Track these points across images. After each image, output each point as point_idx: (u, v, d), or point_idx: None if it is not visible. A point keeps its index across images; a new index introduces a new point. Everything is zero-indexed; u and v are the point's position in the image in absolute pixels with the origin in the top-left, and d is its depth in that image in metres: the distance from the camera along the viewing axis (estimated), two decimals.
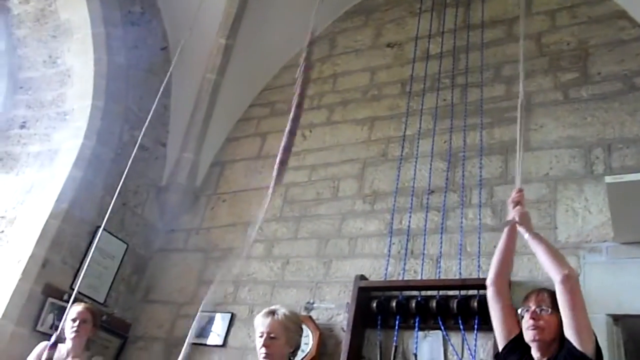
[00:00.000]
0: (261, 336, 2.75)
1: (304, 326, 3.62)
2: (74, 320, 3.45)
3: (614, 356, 2.98)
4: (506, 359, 2.43)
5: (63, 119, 4.80)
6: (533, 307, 2.35)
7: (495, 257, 2.61)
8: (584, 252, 3.36)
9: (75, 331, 3.43)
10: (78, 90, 4.80)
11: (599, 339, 2.81)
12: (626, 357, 3.07)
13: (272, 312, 2.82)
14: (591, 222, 3.45)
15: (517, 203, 2.58)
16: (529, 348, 2.37)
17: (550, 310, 2.32)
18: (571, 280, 2.21)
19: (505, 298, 2.54)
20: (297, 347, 2.92)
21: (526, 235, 2.47)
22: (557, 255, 2.33)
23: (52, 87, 4.93)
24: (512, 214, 2.55)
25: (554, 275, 2.25)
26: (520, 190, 2.63)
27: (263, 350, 2.73)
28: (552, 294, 2.41)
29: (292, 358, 2.88)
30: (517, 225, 2.52)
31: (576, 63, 4.08)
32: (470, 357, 3.32)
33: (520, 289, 3.37)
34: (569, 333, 2.19)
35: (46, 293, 4.14)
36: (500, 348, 2.48)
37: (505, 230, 2.60)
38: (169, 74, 4.71)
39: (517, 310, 2.44)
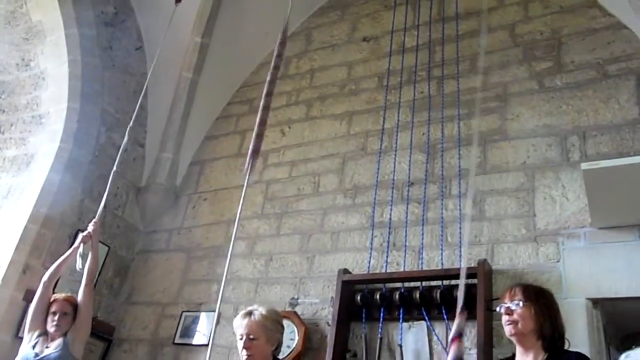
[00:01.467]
0: (241, 338, 2.79)
1: (289, 322, 3.67)
2: (54, 313, 3.43)
3: (594, 339, 3.04)
4: None
5: (39, 122, 4.75)
6: (507, 304, 2.38)
7: None
8: (562, 239, 3.41)
9: (56, 325, 3.42)
10: (53, 93, 4.75)
11: (579, 323, 2.88)
12: (606, 339, 3.14)
13: (250, 313, 2.84)
14: (569, 208, 3.50)
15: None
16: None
17: (522, 303, 2.34)
18: None
19: None
20: (279, 345, 2.94)
21: None
22: None
23: (26, 90, 4.87)
24: None
25: None
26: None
27: (244, 352, 2.76)
28: (524, 287, 2.45)
29: (276, 355, 2.90)
30: None
31: (550, 52, 4.13)
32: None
33: (501, 277, 3.43)
34: None
35: (28, 299, 4.07)
36: None
37: None
38: (149, 75, 4.68)
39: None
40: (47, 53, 4.80)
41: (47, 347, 3.40)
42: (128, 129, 3.91)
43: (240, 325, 2.81)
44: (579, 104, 3.84)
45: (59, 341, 3.40)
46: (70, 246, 4.34)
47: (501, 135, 3.98)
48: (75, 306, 3.56)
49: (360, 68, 5.01)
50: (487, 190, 3.81)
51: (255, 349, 2.75)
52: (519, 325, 2.31)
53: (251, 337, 2.76)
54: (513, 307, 2.34)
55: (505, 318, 2.35)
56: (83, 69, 4.75)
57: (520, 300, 2.35)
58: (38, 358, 3.26)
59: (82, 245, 3.63)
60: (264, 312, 2.87)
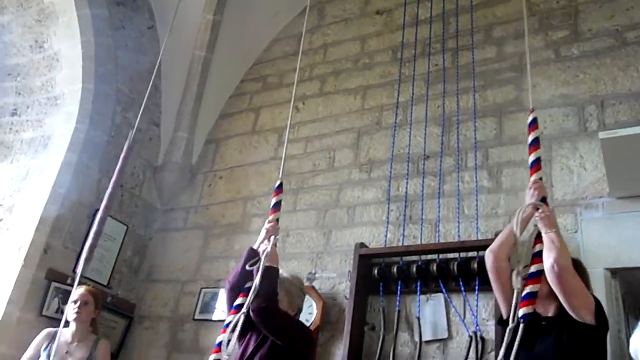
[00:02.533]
0: None
1: (307, 296, 3.68)
2: (75, 302, 3.46)
3: (613, 309, 3.03)
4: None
5: (54, 104, 4.77)
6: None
7: (503, 235, 2.58)
8: (580, 209, 3.39)
9: (77, 312, 3.44)
10: (67, 74, 4.77)
11: (598, 293, 2.87)
12: (625, 309, 3.13)
13: None
14: (586, 178, 3.47)
15: (536, 193, 2.48)
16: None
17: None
18: (555, 269, 2.21)
19: (505, 265, 2.53)
20: (299, 311, 2.97)
21: (544, 234, 2.36)
22: (558, 247, 2.27)
23: (41, 72, 4.89)
24: (534, 212, 2.46)
25: (545, 260, 2.28)
26: (537, 181, 2.54)
27: None
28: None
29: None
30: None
31: (566, 21, 4.06)
32: (473, 317, 3.36)
33: (519, 248, 3.41)
34: (567, 308, 2.26)
35: (49, 278, 4.17)
36: (503, 314, 2.52)
37: (519, 219, 2.48)
38: (160, 55, 4.67)
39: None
40: (60, 34, 4.81)
41: (67, 353, 3.37)
42: (141, 109, 3.91)
43: None
44: (596, 72, 3.78)
45: (83, 352, 3.40)
46: (89, 227, 4.41)
47: (517, 106, 3.94)
48: (96, 297, 3.60)
49: (373, 42, 4.97)
50: (503, 161, 3.79)
51: None
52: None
53: None
54: None
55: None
56: (96, 49, 4.75)
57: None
58: None
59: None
60: (289, 277, 2.93)
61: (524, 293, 2.27)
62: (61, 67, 4.81)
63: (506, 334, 2.27)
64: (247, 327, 2.73)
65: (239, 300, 2.64)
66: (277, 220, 2.86)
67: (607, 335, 2.31)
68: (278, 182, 2.94)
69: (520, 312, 2.26)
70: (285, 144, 3.17)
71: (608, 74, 3.72)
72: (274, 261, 2.74)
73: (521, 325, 2.24)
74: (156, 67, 4.51)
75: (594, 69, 3.79)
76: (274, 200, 2.88)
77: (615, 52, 3.76)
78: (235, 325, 2.53)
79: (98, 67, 4.74)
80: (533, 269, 2.31)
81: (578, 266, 2.47)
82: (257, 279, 2.60)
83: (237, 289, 2.73)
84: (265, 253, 2.69)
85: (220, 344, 2.53)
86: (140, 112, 3.89)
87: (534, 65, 3.99)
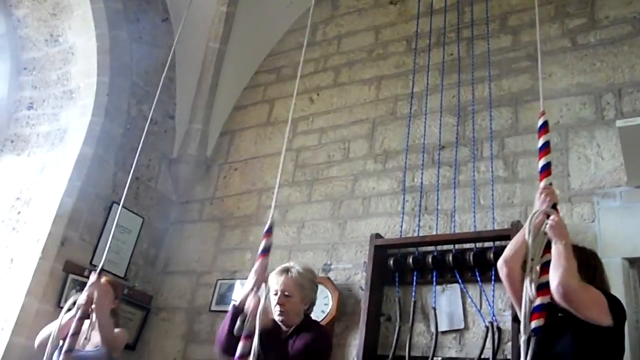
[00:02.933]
0: (276, 294, 2.79)
1: (322, 287, 3.70)
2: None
3: (631, 298, 3.00)
4: None
5: (70, 97, 4.80)
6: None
7: (515, 243, 2.44)
8: (597, 198, 3.36)
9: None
10: (82, 67, 4.79)
11: (615, 283, 2.85)
12: None
13: (286, 270, 2.84)
14: (604, 167, 3.44)
15: (547, 199, 2.32)
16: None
17: None
18: (560, 290, 2.11)
19: (518, 274, 2.43)
20: (312, 304, 2.95)
21: (554, 245, 2.22)
22: (558, 264, 2.14)
23: (56, 65, 4.91)
24: (546, 220, 2.27)
25: (551, 279, 2.14)
26: (548, 187, 2.36)
27: (278, 308, 2.77)
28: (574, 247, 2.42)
29: (308, 314, 2.92)
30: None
31: (583, 8, 4.01)
32: (489, 307, 3.35)
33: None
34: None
35: (67, 270, 4.21)
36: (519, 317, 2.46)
37: (530, 225, 2.32)
38: (173, 47, 4.68)
39: None
40: (75, 28, 4.83)
41: (86, 339, 3.38)
42: (155, 101, 3.93)
43: (276, 281, 2.80)
44: (613, 60, 3.73)
45: (99, 337, 3.38)
46: (105, 220, 4.45)
47: (533, 95, 3.90)
48: (114, 287, 3.62)
49: (387, 32, 4.94)
50: (519, 151, 3.76)
51: (289, 306, 2.77)
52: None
53: (286, 293, 2.77)
54: None
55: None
56: (111, 42, 4.77)
57: None
58: (76, 355, 3.20)
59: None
60: (301, 270, 2.88)
61: (534, 304, 2.20)
62: (76, 60, 4.84)
63: (521, 345, 2.23)
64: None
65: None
66: (266, 267, 2.43)
67: (624, 329, 2.27)
68: (268, 225, 2.45)
69: (533, 325, 2.20)
70: (279, 172, 2.81)
71: (625, 62, 3.68)
72: (267, 321, 2.52)
73: (532, 339, 2.18)
74: (169, 58, 4.51)
75: (611, 57, 3.74)
76: (263, 244, 2.40)
77: (632, 40, 3.71)
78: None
79: (113, 60, 4.76)
80: (542, 279, 2.24)
81: (593, 258, 2.45)
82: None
83: (230, 351, 2.31)
84: (257, 314, 2.22)
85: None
86: (154, 103, 3.90)
87: (550, 54, 3.95)
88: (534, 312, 2.16)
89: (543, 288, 2.17)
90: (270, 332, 2.67)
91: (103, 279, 3.58)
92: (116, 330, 3.54)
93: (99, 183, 4.54)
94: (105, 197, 4.56)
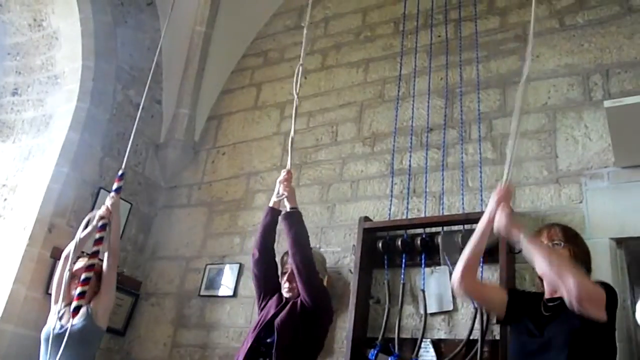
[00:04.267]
0: (285, 272, 2.90)
1: None
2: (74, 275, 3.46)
3: (618, 279, 3.02)
4: (514, 319, 2.41)
5: (55, 82, 4.75)
6: (545, 242, 2.34)
7: (465, 255, 2.37)
8: (585, 179, 3.37)
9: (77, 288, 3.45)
10: (67, 52, 4.73)
11: (603, 263, 2.87)
12: (630, 278, 3.12)
13: None
14: (592, 148, 3.44)
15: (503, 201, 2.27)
16: (531, 297, 2.40)
17: (562, 243, 2.33)
18: (581, 296, 2.04)
19: (479, 287, 2.49)
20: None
21: (520, 241, 2.19)
22: (559, 270, 2.09)
23: (40, 50, 4.85)
24: (495, 213, 2.26)
25: (563, 293, 2.09)
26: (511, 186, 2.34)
27: (287, 285, 2.86)
28: (564, 229, 2.42)
29: None
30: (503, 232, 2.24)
31: None
32: None
33: (524, 219, 3.40)
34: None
35: (55, 256, 4.16)
36: (501, 317, 2.45)
37: (481, 228, 2.34)
38: (164, 30, 4.62)
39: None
40: (58, 12, 4.76)
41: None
42: (146, 88, 3.89)
43: (286, 261, 2.93)
44: (601, 41, 3.73)
45: (82, 311, 3.36)
46: (93, 206, 4.42)
47: (521, 76, 3.88)
48: (98, 274, 3.54)
49: (375, 14, 4.90)
50: (507, 133, 3.73)
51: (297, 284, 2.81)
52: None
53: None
54: (554, 247, 2.31)
55: None
56: (95, 26, 4.70)
57: (561, 240, 2.33)
58: (62, 330, 3.21)
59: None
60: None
61: None
62: (60, 45, 4.77)
63: None
64: (269, 293, 2.88)
65: None
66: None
67: (615, 322, 2.20)
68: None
69: None
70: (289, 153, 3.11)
71: (613, 43, 3.67)
72: (292, 197, 2.92)
73: None
74: (159, 45, 4.47)
75: (599, 38, 3.74)
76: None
77: (620, 20, 3.71)
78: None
79: (98, 45, 4.70)
80: None
81: (582, 240, 2.43)
82: (286, 225, 2.80)
83: (264, 244, 2.93)
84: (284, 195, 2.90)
85: None
86: (145, 91, 3.87)
87: (538, 35, 3.93)
88: None
89: None
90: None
91: (84, 262, 3.55)
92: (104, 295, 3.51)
93: (86, 169, 4.50)
94: (92, 182, 4.53)
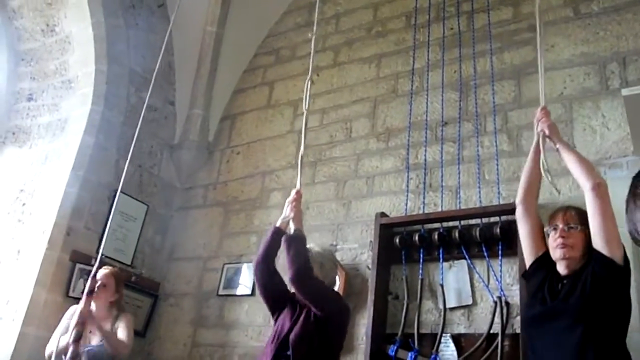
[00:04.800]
0: None
1: None
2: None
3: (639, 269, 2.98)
4: (533, 276, 2.45)
5: (69, 87, 4.78)
6: (561, 225, 2.35)
7: (523, 175, 2.60)
8: (604, 169, 3.31)
9: (96, 295, 3.48)
10: (80, 56, 4.76)
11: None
12: None
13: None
14: (610, 138, 3.40)
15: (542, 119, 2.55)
16: (554, 265, 2.38)
17: (578, 227, 2.32)
18: (602, 188, 2.23)
19: (534, 216, 2.54)
20: (333, 283, 2.98)
21: (557, 146, 2.46)
22: (587, 164, 2.35)
23: (54, 55, 4.88)
24: (539, 128, 2.53)
25: (584, 182, 2.27)
26: (544, 108, 2.58)
27: None
28: (580, 212, 2.40)
29: None
30: (546, 138, 2.49)
31: None
32: (497, 282, 3.34)
33: (542, 211, 3.34)
34: (597, 241, 2.20)
35: (74, 260, 4.22)
36: (527, 266, 2.51)
37: (532, 147, 2.58)
38: (169, 31, 4.63)
39: (543, 229, 2.44)
40: (71, 17, 4.79)
41: (90, 333, 3.42)
42: (151, 85, 3.90)
43: None
44: (617, 28, 3.67)
45: (107, 325, 3.46)
46: (110, 208, 4.42)
47: (536, 67, 3.78)
48: (116, 279, 3.64)
49: (386, 9, 4.87)
50: (523, 124, 3.72)
51: None
52: (574, 249, 2.29)
53: None
54: (569, 230, 2.33)
55: (558, 241, 2.33)
56: (107, 30, 4.73)
57: (577, 224, 2.33)
58: (81, 349, 3.22)
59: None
60: (320, 250, 2.96)
61: None
62: (73, 49, 4.80)
63: None
64: (282, 307, 2.83)
65: None
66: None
67: (630, 279, 2.24)
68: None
69: None
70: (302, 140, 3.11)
71: (629, 30, 3.62)
72: (298, 218, 2.89)
73: None
74: (164, 43, 4.46)
75: (615, 25, 3.68)
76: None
77: (637, 7, 3.64)
78: None
79: (110, 48, 4.73)
80: None
81: None
82: (286, 247, 2.73)
83: (265, 263, 2.86)
84: (290, 216, 2.88)
85: None
86: (150, 88, 3.88)
87: (552, 24, 3.89)
88: None
89: None
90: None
91: (105, 270, 3.60)
92: (122, 316, 3.55)
93: (102, 172, 4.53)
94: (108, 185, 4.55)
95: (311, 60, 3.35)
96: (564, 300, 2.24)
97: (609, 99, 3.48)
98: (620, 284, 2.19)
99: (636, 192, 1.47)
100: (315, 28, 3.56)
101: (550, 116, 2.56)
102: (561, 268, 2.35)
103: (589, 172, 2.28)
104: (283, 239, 2.81)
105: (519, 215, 2.55)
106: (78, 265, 4.22)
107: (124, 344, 3.48)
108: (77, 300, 3.98)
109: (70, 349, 3.10)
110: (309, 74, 3.28)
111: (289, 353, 2.61)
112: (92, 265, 4.02)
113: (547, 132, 2.48)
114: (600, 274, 2.17)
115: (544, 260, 2.42)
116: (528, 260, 2.50)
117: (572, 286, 2.26)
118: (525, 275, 2.55)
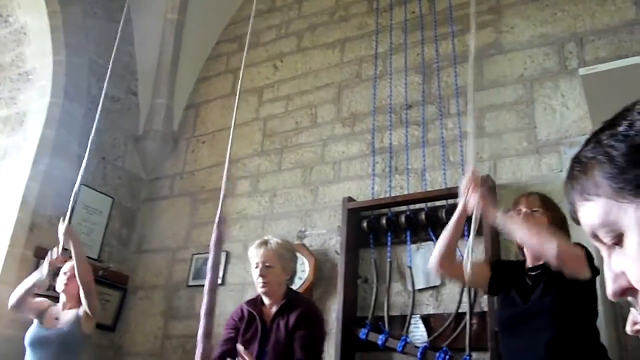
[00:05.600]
0: (257, 267, 2.81)
1: (299, 254, 3.69)
2: (64, 273, 3.47)
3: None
4: (497, 289, 2.49)
5: (26, 79, 4.66)
6: (524, 209, 2.39)
7: (442, 242, 2.46)
8: (564, 148, 3.38)
9: (65, 284, 3.44)
10: (36, 47, 4.64)
11: (584, 231, 2.88)
12: None
13: (265, 242, 2.86)
14: (569, 117, 3.46)
15: (472, 187, 2.31)
16: (512, 266, 2.45)
17: (540, 210, 2.37)
18: (560, 255, 2.12)
19: (458, 269, 2.42)
20: (294, 274, 2.99)
21: (500, 222, 2.28)
22: (538, 239, 2.19)
23: (9, 47, 4.75)
24: (468, 200, 2.30)
25: (547, 258, 2.18)
26: (475, 172, 2.36)
27: (260, 279, 2.78)
28: (542, 197, 2.47)
29: (289, 285, 2.94)
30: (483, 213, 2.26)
31: None
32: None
33: (506, 191, 3.42)
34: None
35: (38, 255, 4.13)
36: (486, 290, 2.59)
37: (456, 217, 2.40)
38: (123, 17, 4.54)
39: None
40: (25, 6, 4.65)
41: (57, 319, 3.40)
42: (107, 75, 3.82)
43: (256, 254, 2.83)
44: (574, 9, 3.73)
45: (71, 315, 3.40)
46: (74, 203, 4.35)
47: (497, 49, 3.89)
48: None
49: None
50: (485, 105, 3.76)
51: (271, 277, 2.78)
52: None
53: (267, 264, 2.78)
54: (533, 214, 2.37)
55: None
56: (64, 19, 4.61)
57: (539, 207, 2.38)
58: (48, 333, 3.26)
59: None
60: (279, 241, 2.92)
61: None
62: (29, 40, 4.68)
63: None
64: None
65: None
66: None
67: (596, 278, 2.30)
68: None
69: None
70: None
71: (586, 10, 3.67)
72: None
73: None
74: (119, 33, 4.39)
75: (572, 6, 3.74)
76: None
77: None
78: None
79: (67, 38, 4.62)
80: None
81: (557, 210, 2.46)
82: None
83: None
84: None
85: None
86: (107, 78, 3.81)
87: (512, 6, 3.94)
88: None
89: None
90: (251, 321, 2.79)
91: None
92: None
93: (64, 165, 4.43)
94: (72, 179, 4.44)
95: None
96: (537, 301, 2.28)
97: (568, 79, 3.54)
98: (589, 285, 2.24)
99: (572, 174, 1.49)
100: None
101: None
102: (528, 257, 2.40)
103: (543, 246, 2.16)
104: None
105: (442, 277, 2.55)
106: (42, 261, 4.14)
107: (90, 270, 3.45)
108: (43, 296, 3.94)
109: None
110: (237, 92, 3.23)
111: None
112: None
113: (478, 210, 2.24)
114: (568, 284, 2.19)
115: (499, 272, 2.48)
116: (484, 286, 2.55)
117: (543, 284, 2.30)
118: (490, 292, 2.60)
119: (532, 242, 2.23)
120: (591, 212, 0.65)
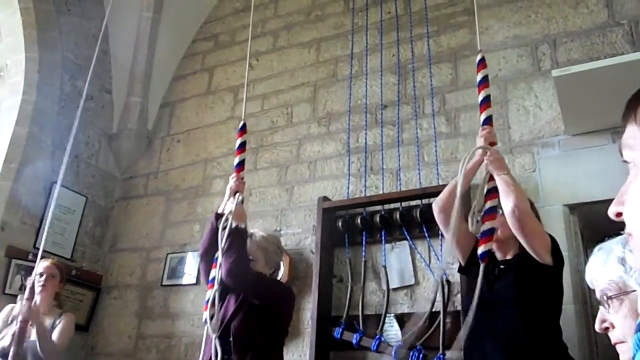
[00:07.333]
0: None
1: None
2: (41, 274, 3.39)
3: (572, 243, 3.10)
4: (470, 270, 2.53)
5: None
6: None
7: (449, 186, 2.54)
8: (537, 148, 3.43)
9: (42, 285, 3.37)
10: (8, 44, 4.56)
11: (557, 229, 2.94)
12: (583, 242, 3.21)
13: (250, 235, 2.84)
14: (542, 118, 3.51)
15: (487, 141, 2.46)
16: (490, 253, 2.47)
17: (501, 210, 2.38)
18: (516, 213, 2.23)
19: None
20: (277, 267, 2.98)
21: (497, 176, 2.37)
22: (509, 191, 2.27)
23: None
24: (483, 157, 2.43)
25: (504, 206, 2.29)
26: (489, 126, 2.53)
27: None
28: None
29: (274, 277, 2.94)
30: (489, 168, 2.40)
31: None
32: (438, 262, 3.41)
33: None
34: (529, 252, 2.29)
35: (10, 255, 4.07)
36: (462, 263, 2.59)
37: (468, 166, 2.45)
38: (106, 16, 4.50)
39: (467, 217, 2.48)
40: None
41: (31, 325, 3.22)
42: (89, 75, 3.77)
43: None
44: (547, 11, 3.78)
45: (48, 321, 3.34)
46: (46, 202, 4.29)
47: (471, 50, 3.92)
48: (61, 270, 3.52)
49: None
50: (460, 106, 3.80)
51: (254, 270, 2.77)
52: (499, 231, 2.36)
53: (250, 257, 2.77)
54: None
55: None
56: (36, 15, 4.54)
57: (500, 207, 2.38)
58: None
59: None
60: (264, 234, 2.92)
61: (481, 231, 2.31)
62: (1, 37, 4.60)
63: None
64: (227, 289, 2.74)
65: (212, 273, 2.66)
66: (242, 177, 2.89)
67: (562, 271, 2.38)
68: (242, 123, 3.10)
69: (479, 250, 2.31)
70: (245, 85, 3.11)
71: (559, 12, 3.73)
72: (241, 218, 2.72)
73: (482, 265, 2.28)
74: (102, 31, 4.33)
75: (546, 8, 3.79)
76: (237, 159, 2.96)
77: None
78: (214, 300, 2.54)
79: (40, 35, 4.55)
80: (488, 205, 2.34)
81: (533, 205, 2.51)
82: (223, 243, 2.59)
83: (209, 254, 2.74)
84: (230, 211, 2.67)
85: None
86: (88, 78, 3.75)
87: (486, 8, 3.97)
88: (482, 237, 2.26)
89: (488, 213, 2.26)
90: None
91: (49, 261, 3.50)
92: (64, 315, 3.45)
93: (36, 164, 4.37)
94: (44, 177, 4.41)
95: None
96: (501, 291, 2.34)
97: (541, 80, 3.59)
98: (553, 278, 2.32)
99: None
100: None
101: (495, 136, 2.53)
102: (497, 252, 2.44)
103: (506, 199, 2.26)
104: (227, 228, 2.68)
105: (437, 217, 2.55)
106: (14, 261, 4.08)
107: (54, 347, 3.29)
108: (14, 297, 3.86)
109: (12, 349, 3.01)
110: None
111: (230, 340, 2.59)
112: (29, 261, 3.93)
113: (490, 168, 2.38)
114: (534, 275, 2.28)
115: (476, 254, 2.50)
116: (461, 257, 2.58)
117: (509, 275, 2.37)
118: (461, 270, 2.64)
119: (501, 187, 2.30)
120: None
